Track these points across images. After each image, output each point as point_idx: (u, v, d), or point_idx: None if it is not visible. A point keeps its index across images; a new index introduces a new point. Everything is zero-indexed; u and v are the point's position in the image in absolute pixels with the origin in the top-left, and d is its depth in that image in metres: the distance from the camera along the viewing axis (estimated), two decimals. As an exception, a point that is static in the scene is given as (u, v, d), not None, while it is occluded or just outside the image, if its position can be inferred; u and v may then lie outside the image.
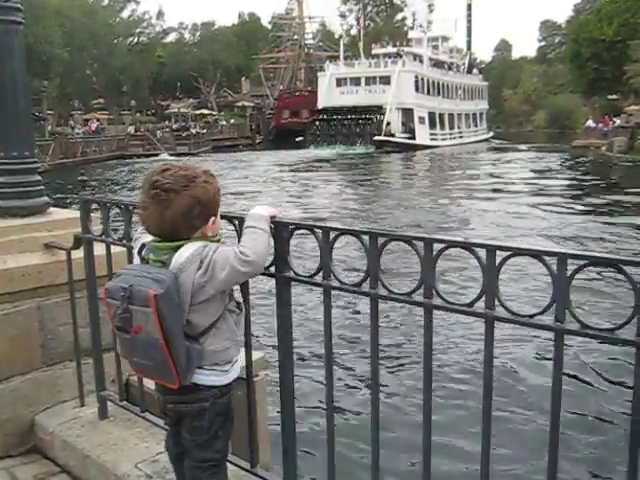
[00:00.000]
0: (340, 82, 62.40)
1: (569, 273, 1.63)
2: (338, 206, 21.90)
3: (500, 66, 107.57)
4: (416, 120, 58.94)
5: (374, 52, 67.61)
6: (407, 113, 58.66)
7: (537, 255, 1.69)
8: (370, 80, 61.07)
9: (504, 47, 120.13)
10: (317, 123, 60.24)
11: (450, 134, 66.25)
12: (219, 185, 2.17)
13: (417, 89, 60.99)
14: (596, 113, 59.17)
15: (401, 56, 62.72)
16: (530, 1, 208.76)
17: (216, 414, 2.22)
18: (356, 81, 61.88)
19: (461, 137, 68.19)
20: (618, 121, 46.67)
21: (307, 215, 19.28)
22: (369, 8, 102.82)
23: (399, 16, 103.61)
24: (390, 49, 67.00)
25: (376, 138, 54.74)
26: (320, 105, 61.25)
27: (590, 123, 56.88)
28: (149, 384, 2.95)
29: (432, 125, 62.24)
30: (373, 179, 32.34)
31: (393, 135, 55.97)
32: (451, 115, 67.48)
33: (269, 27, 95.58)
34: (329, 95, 61.29)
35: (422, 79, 62.51)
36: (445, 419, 6.00)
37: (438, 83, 66.30)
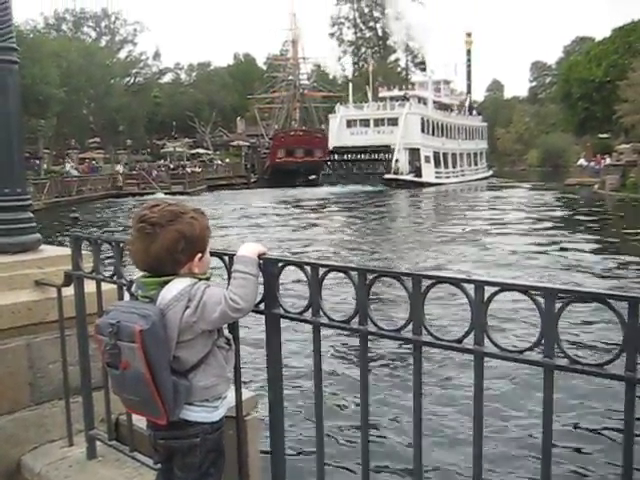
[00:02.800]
0: (350, 123, 65.19)
1: (557, 308, 1.63)
2: (342, 243, 22.10)
3: (492, 106, 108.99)
4: (422, 159, 61.74)
5: (381, 95, 71.24)
6: (414, 153, 61.43)
7: (524, 290, 1.69)
8: (379, 122, 63.84)
9: (496, 87, 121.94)
10: (330, 161, 62.28)
11: (453, 172, 69.19)
12: (208, 223, 2.18)
13: (423, 130, 63.64)
14: (588, 152, 59.90)
15: (407, 99, 65.74)
16: (521, 42, 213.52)
17: (207, 450, 2.20)
18: (365, 122, 64.58)
19: (463, 175, 70.93)
20: (609, 159, 47.22)
21: (306, 252, 19.30)
22: (362, 49, 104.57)
23: (392, 57, 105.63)
24: (397, 92, 70.47)
25: (385, 176, 57.33)
26: (331, 145, 63.88)
27: (582, 161, 57.64)
28: (139, 423, 2.91)
29: (437, 164, 65.14)
30: (381, 216, 32.71)
31: (401, 173, 58.46)
32: (454, 154, 70.33)
33: (264, 68, 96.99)
34: (340, 136, 63.82)
35: (427, 121, 65.25)
36: (436, 456, 5.92)
37: (442, 124, 69.02)
